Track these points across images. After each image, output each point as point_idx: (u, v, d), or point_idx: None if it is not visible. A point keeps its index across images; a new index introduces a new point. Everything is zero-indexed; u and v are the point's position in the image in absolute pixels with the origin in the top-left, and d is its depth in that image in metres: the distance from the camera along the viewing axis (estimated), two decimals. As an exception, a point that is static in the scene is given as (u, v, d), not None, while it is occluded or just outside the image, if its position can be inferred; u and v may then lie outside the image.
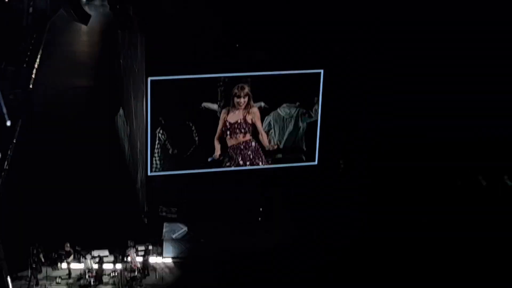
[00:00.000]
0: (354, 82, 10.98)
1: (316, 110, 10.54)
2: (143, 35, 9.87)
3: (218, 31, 10.20)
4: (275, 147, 10.40)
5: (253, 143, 10.32)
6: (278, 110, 10.50)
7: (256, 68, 10.33)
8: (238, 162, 10.25)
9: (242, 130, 10.14)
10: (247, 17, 10.11)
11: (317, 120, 10.91)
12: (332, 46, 10.36)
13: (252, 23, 10.04)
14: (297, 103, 10.45)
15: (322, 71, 10.34)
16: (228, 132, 10.05)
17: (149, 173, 10.37)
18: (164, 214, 10.70)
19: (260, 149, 10.47)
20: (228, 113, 10.06)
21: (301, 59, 10.41)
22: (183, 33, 9.85)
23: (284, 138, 10.63)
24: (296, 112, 10.54)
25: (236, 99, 9.91)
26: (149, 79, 9.81)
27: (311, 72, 10.38)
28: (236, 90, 10.00)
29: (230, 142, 10.21)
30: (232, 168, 10.23)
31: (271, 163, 10.61)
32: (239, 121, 10.10)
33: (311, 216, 11.04)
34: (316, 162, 10.75)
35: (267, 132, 10.54)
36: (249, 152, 10.38)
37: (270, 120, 10.52)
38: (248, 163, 10.27)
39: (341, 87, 10.79)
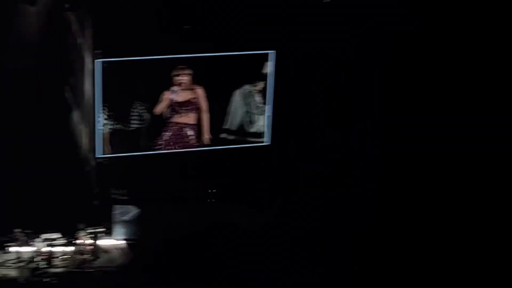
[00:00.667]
0: (307, 63, 10.97)
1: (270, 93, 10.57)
2: (91, 17, 9.83)
3: (168, 13, 10.20)
4: (209, 140, 10.44)
5: (199, 121, 10.34)
6: (241, 89, 10.52)
7: (205, 50, 10.33)
8: (184, 139, 10.28)
9: (189, 109, 10.15)
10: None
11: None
12: (283, 27, 10.37)
13: (201, 4, 10.06)
14: (258, 85, 10.48)
15: (274, 51, 10.37)
16: (174, 111, 10.05)
17: (97, 155, 10.35)
18: (115, 196, 10.70)
19: (205, 127, 10.51)
20: (172, 93, 10.06)
21: (251, 40, 10.41)
22: (132, 15, 9.82)
23: (239, 119, 10.67)
24: (253, 93, 10.59)
25: (176, 78, 9.90)
26: (97, 60, 9.80)
27: (262, 53, 10.41)
28: (177, 71, 10.00)
29: (177, 119, 10.21)
30: (182, 150, 10.25)
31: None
32: (186, 101, 10.11)
33: (265, 198, 11.10)
34: (269, 143, 10.79)
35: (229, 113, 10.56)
36: (194, 131, 10.42)
37: (235, 100, 10.55)
38: (194, 138, 10.31)
39: (293, 68, 10.79)
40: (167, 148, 10.00)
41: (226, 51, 9.94)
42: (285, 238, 10.10)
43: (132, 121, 9.99)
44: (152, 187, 10.24)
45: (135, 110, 9.98)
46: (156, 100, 9.85)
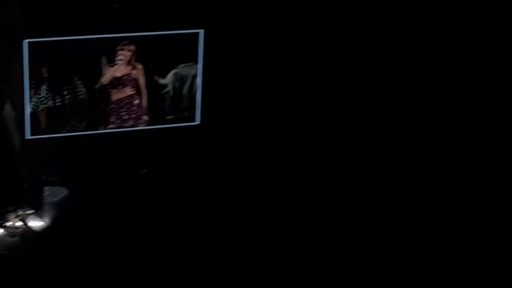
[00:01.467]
0: (238, 42, 11.02)
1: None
2: None
3: None
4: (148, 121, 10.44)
5: (137, 99, 10.28)
6: (180, 69, 10.48)
7: (137, 28, 10.28)
8: (122, 117, 10.18)
9: (129, 84, 10.09)
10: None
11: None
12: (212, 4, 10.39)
13: None
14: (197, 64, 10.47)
15: (202, 31, 10.39)
16: (114, 86, 9.99)
17: (27, 137, 10.15)
18: (44, 177, 10.54)
19: (143, 105, 10.45)
20: (113, 68, 9.99)
21: (181, 18, 10.39)
22: None
23: (182, 97, 10.64)
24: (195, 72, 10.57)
25: (119, 52, 9.84)
26: (26, 41, 9.63)
27: (191, 32, 10.42)
28: (120, 46, 9.94)
29: (114, 96, 10.14)
30: (114, 130, 10.15)
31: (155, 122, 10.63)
32: (125, 75, 10.04)
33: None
34: (199, 122, 10.80)
35: (168, 89, 10.52)
36: (134, 108, 10.35)
37: (174, 76, 10.50)
38: (133, 116, 10.24)
39: (224, 47, 10.82)
40: (108, 125, 9.94)
41: (154, 30, 9.93)
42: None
43: (70, 99, 9.87)
44: (83, 168, 10.16)
45: (74, 86, 9.87)
46: (96, 76, 9.78)
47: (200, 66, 11.23)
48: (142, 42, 11.21)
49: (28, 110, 10.64)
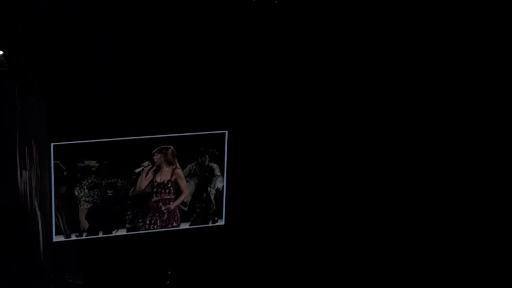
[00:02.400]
0: (260, 142, 11.13)
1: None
2: (45, 101, 9.70)
3: (121, 97, 10.18)
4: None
5: (171, 203, 10.25)
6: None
7: (163, 130, 10.35)
8: (154, 219, 10.17)
9: (167, 190, 10.06)
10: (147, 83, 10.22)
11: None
12: (236, 107, 10.53)
13: (151, 89, 10.15)
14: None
15: (226, 132, 10.50)
16: (154, 191, 9.97)
17: (54, 240, 10.03)
18: (70, 281, 10.34)
19: (177, 210, 10.42)
20: (154, 174, 9.98)
21: (205, 120, 10.49)
22: (87, 98, 9.78)
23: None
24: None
25: (156, 156, 9.87)
26: (52, 144, 9.65)
27: (215, 133, 10.52)
28: (156, 151, 9.98)
29: (154, 198, 10.12)
30: (145, 232, 10.11)
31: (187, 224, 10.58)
32: (166, 181, 10.01)
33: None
34: (223, 223, 10.79)
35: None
36: (166, 210, 10.31)
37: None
38: (165, 218, 10.24)
39: (247, 147, 10.93)
40: (145, 227, 9.90)
41: (178, 132, 10.02)
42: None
43: (109, 199, 9.81)
44: (111, 272, 10.05)
45: (113, 187, 9.80)
46: (133, 179, 9.77)
47: (225, 166, 11.23)
48: (178, 143, 11.16)
49: (53, 214, 10.48)
